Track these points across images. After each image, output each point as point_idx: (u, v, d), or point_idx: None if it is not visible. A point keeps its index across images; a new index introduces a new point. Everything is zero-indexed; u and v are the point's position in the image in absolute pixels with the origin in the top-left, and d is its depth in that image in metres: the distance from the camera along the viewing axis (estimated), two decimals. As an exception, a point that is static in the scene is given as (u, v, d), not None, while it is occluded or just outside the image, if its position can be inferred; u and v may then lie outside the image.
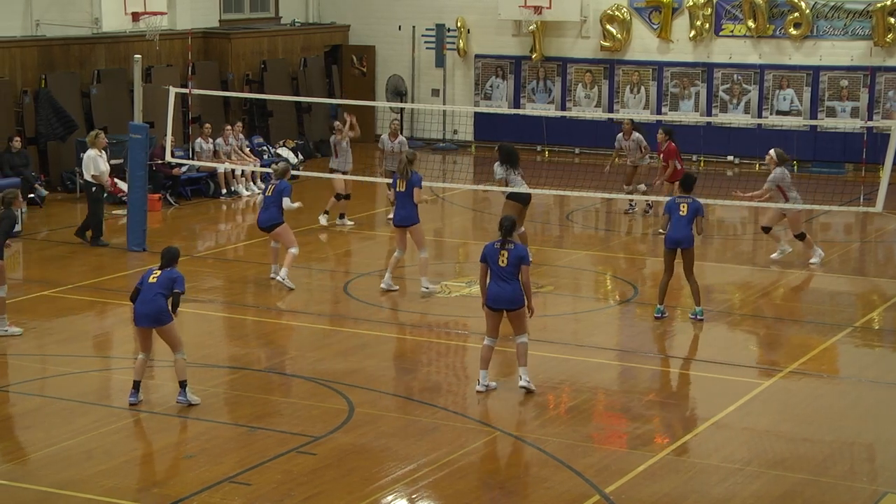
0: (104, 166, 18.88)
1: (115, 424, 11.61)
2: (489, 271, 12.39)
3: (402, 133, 20.88)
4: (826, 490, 10.32)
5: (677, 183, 16.45)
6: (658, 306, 15.09)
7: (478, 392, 12.50)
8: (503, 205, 16.96)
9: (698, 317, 15.07)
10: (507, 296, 12.29)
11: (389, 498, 10.12)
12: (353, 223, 20.47)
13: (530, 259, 12.61)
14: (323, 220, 20.35)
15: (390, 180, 20.04)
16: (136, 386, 12.11)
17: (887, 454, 11.20)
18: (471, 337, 14.75)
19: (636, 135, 21.05)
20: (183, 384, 12.06)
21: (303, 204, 17.17)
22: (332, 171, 20.37)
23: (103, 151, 19.09)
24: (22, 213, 20.01)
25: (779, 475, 10.63)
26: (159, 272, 12.07)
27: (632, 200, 21.03)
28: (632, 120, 21.29)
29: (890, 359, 14.41)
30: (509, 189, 16.78)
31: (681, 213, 14.92)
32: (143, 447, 11.14)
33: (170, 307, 11.98)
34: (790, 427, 11.80)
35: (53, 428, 11.46)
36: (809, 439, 11.51)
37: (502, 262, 12.28)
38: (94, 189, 18.87)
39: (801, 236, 17.86)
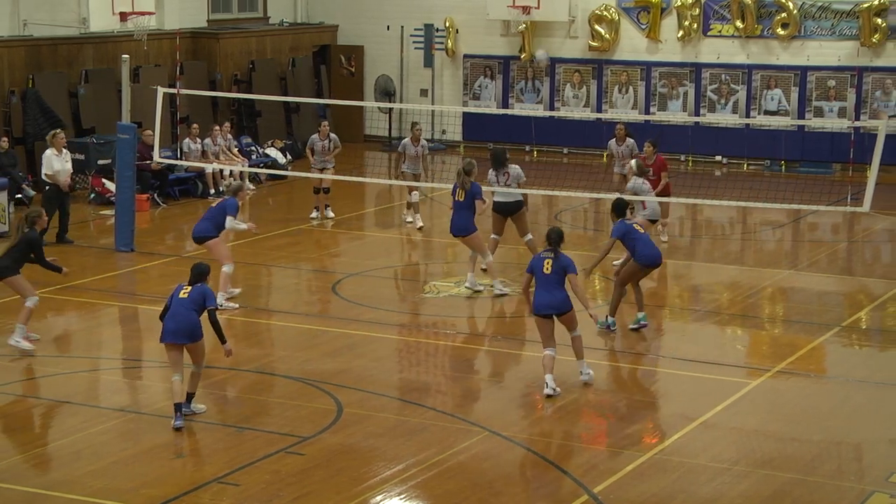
0: (58, 165, 18.80)
1: (103, 425, 11.59)
2: (534, 280, 12.73)
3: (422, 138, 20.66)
4: (814, 489, 10.35)
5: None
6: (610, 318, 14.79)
7: (548, 396, 12.39)
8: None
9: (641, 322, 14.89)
10: (555, 302, 12.59)
11: (378, 498, 10.12)
12: (333, 217, 20.79)
13: (576, 268, 12.81)
14: (314, 214, 20.81)
15: (405, 182, 20.04)
16: (178, 408, 11.62)
17: (875, 453, 11.24)
18: (459, 337, 14.76)
19: (630, 140, 20.58)
20: (190, 396, 11.84)
21: (255, 228, 16.40)
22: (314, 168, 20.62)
23: (62, 151, 19.01)
24: (9, 213, 19.96)
25: (767, 475, 10.66)
26: (189, 288, 11.84)
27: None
28: (625, 125, 20.93)
29: (877, 358, 14.45)
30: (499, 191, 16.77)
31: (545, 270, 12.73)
32: (131, 448, 11.12)
33: (215, 331, 11.67)
34: (778, 427, 11.83)
35: (41, 429, 11.45)
36: (797, 439, 11.54)
37: (546, 269, 12.59)
38: (47, 188, 18.88)
39: None
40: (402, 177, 20.13)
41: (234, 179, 17.56)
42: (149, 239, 18.93)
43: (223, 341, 11.75)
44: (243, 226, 15.86)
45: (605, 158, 21.21)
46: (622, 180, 20.52)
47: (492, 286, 16.15)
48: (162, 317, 11.87)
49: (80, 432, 11.37)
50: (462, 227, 16.05)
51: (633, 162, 17.50)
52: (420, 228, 20.02)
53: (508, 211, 16.78)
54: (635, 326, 14.74)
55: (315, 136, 20.62)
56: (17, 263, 13.82)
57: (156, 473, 10.51)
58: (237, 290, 15.95)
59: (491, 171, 16.91)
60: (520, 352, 14.24)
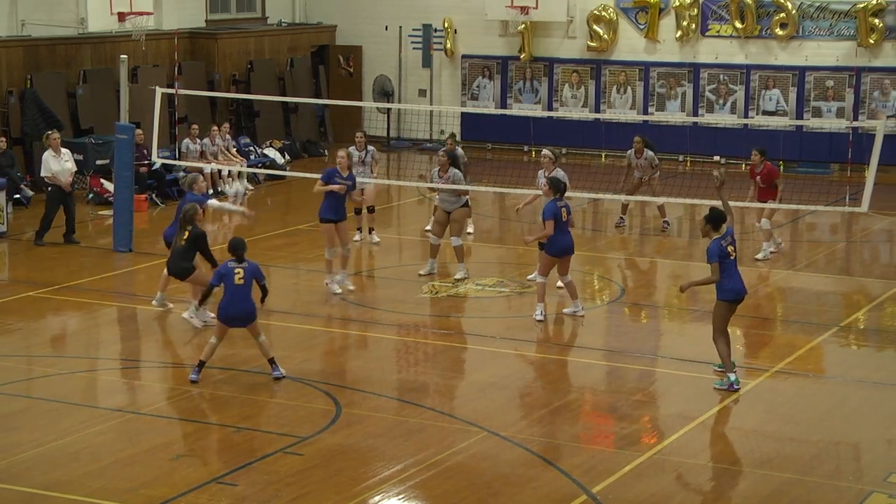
0: (56, 166, 18.81)
1: (101, 425, 11.59)
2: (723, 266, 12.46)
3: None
4: (812, 489, 10.36)
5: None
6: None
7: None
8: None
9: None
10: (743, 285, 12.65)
11: (377, 498, 10.12)
12: (378, 241, 19.06)
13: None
14: (357, 237, 18.90)
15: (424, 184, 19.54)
16: (201, 365, 12.59)
17: (873, 453, 11.24)
18: (458, 337, 14.77)
19: (648, 153, 20.39)
20: (272, 361, 12.70)
21: (251, 213, 16.49)
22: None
23: (60, 151, 19.00)
24: (7, 213, 19.96)
25: (765, 475, 10.66)
26: (241, 270, 12.44)
27: (623, 216, 20.64)
28: (643, 138, 20.64)
29: (875, 358, 14.46)
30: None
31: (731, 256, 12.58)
32: (129, 448, 11.11)
33: (262, 294, 12.57)
34: (776, 427, 11.83)
35: (40, 429, 11.44)
36: (796, 439, 11.55)
37: (732, 254, 12.50)
38: (49, 189, 18.87)
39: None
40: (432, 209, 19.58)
41: (192, 173, 15.95)
42: (147, 239, 18.92)
43: (264, 298, 12.71)
44: (233, 207, 15.46)
45: (626, 172, 20.76)
46: (640, 183, 20.34)
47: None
48: (206, 296, 12.83)
49: (79, 432, 11.37)
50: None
51: (546, 150, 17.32)
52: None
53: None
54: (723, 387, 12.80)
55: (352, 147, 18.54)
56: (191, 259, 14.10)
57: (154, 474, 10.50)
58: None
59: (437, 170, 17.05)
60: (518, 352, 14.23)
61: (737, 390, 12.60)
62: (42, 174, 18.93)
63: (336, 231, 16.05)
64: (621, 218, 20.61)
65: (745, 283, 12.84)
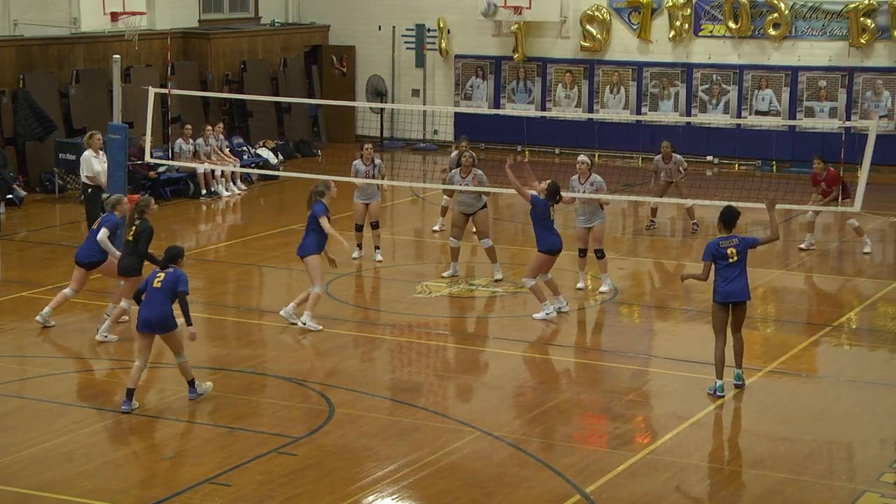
0: (98, 166, 18.66)
1: (94, 426, 11.58)
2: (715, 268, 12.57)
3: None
4: (805, 489, 10.37)
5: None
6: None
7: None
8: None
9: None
10: (741, 288, 12.56)
11: (370, 498, 10.12)
12: (381, 260, 18.04)
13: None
14: (356, 254, 17.94)
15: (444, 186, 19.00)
16: (130, 394, 11.87)
17: (866, 453, 11.26)
18: (451, 337, 14.77)
19: (676, 157, 20.13)
20: (191, 383, 12.12)
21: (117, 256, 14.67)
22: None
23: (100, 152, 18.90)
24: (0, 214, 19.93)
25: (758, 474, 10.68)
26: (163, 274, 11.94)
27: (653, 218, 20.54)
28: (671, 143, 20.47)
29: (868, 358, 14.48)
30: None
31: (730, 259, 12.62)
32: (123, 448, 11.11)
33: (182, 312, 11.88)
34: (769, 426, 11.85)
35: (33, 429, 11.42)
36: (789, 438, 11.57)
37: (732, 257, 12.52)
38: (89, 190, 18.71)
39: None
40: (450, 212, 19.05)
41: (116, 195, 15.20)
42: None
43: (189, 323, 11.92)
44: (115, 251, 14.31)
45: (653, 178, 20.70)
46: (668, 186, 20.24)
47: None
48: (137, 301, 12.00)
49: (72, 433, 11.36)
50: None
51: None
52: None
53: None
54: (739, 383, 12.85)
55: (357, 161, 17.91)
56: (139, 255, 13.78)
57: (147, 474, 10.50)
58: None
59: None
60: (512, 352, 14.24)
61: (721, 397, 12.53)
62: (84, 175, 18.78)
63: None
64: (651, 221, 20.49)
65: (744, 288, 12.67)
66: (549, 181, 15.34)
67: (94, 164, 18.64)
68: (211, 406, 12.21)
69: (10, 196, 21.59)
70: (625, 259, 18.67)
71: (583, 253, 16.40)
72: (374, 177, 17.77)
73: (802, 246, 19.22)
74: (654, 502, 10.11)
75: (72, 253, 18.59)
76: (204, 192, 23.04)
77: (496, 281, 16.70)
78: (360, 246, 17.99)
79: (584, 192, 16.17)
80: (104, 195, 16.02)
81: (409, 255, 18.92)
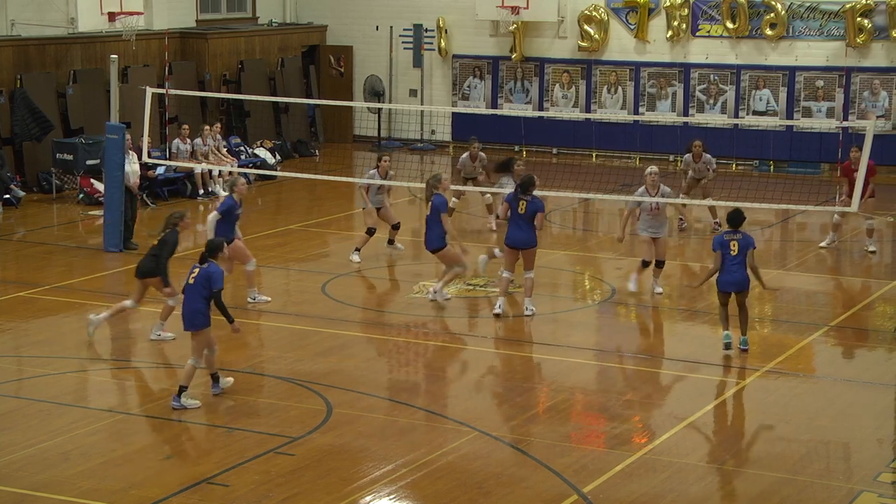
0: (127, 168, 18.60)
1: (92, 426, 11.57)
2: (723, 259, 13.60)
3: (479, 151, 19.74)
4: (802, 489, 10.38)
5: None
6: None
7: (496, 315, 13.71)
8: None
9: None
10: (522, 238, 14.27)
11: (368, 498, 10.12)
12: (402, 248, 18.55)
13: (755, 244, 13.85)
14: (355, 257, 17.97)
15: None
16: (181, 390, 11.98)
17: (863, 453, 11.27)
18: (448, 337, 14.77)
19: (707, 156, 20.01)
20: (182, 388, 12.00)
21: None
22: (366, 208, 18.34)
23: (130, 153, 18.84)
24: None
25: (755, 474, 10.68)
26: (197, 270, 12.08)
27: (682, 217, 20.36)
28: (702, 142, 20.35)
29: (865, 358, 14.49)
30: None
31: (732, 251, 13.71)
32: (120, 448, 11.11)
33: (219, 310, 12.06)
34: (767, 426, 11.85)
35: (30, 429, 11.42)
36: (786, 438, 11.57)
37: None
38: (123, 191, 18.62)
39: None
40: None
41: (229, 177, 15.87)
42: (137, 240, 18.88)
43: (230, 321, 12.19)
44: (212, 235, 14.70)
45: (677, 167, 20.61)
46: (694, 184, 20.10)
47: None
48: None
49: (69, 433, 11.35)
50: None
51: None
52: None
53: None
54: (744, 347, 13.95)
55: (374, 171, 17.98)
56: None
57: (145, 474, 10.50)
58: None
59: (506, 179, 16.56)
60: (509, 352, 14.25)
61: (728, 346, 13.73)
62: None
63: None
64: (681, 219, 20.40)
65: (744, 279, 13.72)
66: (526, 175, 15.61)
67: (125, 164, 18.57)
68: (209, 406, 12.21)
69: (8, 196, 21.58)
70: (623, 259, 18.66)
71: (646, 263, 16.12)
72: (386, 189, 18.25)
73: (823, 244, 19.10)
74: (652, 502, 10.12)
75: (69, 252, 18.65)
76: (201, 192, 23.03)
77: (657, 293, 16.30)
78: (357, 249, 18.03)
79: (653, 204, 15.94)
80: (224, 181, 16.13)
81: (406, 255, 18.90)
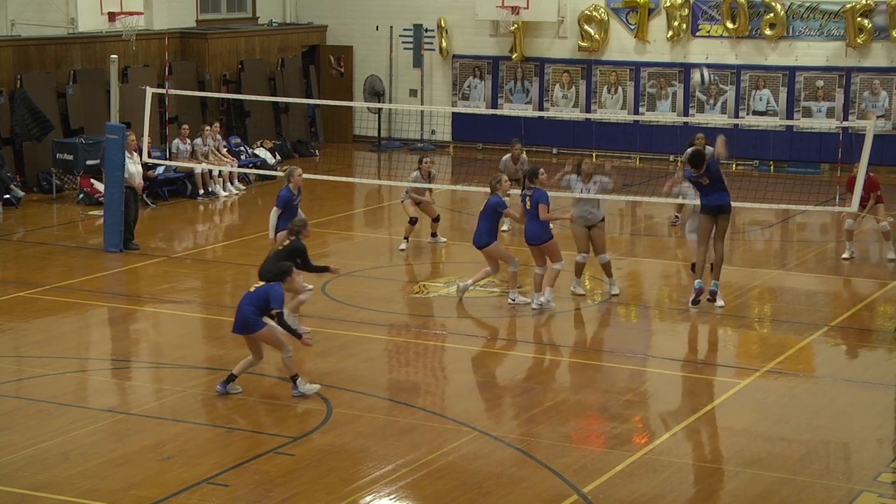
0: (132, 168, 18.65)
1: (91, 426, 11.57)
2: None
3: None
4: (802, 489, 10.38)
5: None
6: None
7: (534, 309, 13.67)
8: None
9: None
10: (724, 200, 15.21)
11: (368, 498, 10.12)
12: (445, 240, 19.17)
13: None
14: (403, 245, 18.80)
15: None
16: (230, 377, 12.33)
17: (863, 453, 11.27)
18: (449, 337, 14.77)
19: (710, 149, 20.30)
20: (294, 378, 12.26)
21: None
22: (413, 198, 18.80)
23: (134, 153, 18.86)
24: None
25: (755, 474, 10.68)
26: (261, 283, 12.32)
27: (678, 214, 20.42)
28: (705, 135, 20.24)
29: (865, 358, 14.49)
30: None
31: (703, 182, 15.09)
32: (120, 448, 11.10)
33: (283, 328, 12.22)
34: (766, 426, 11.85)
35: (30, 430, 11.42)
36: (786, 438, 11.57)
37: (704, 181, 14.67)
38: (124, 191, 18.61)
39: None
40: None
41: (286, 168, 16.08)
42: (138, 239, 18.88)
43: (297, 336, 12.26)
44: (273, 232, 15.44)
45: (678, 164, 20.77)
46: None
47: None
48: None
49: (69, 433, 11.35)
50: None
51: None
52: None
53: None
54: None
55: (416, 173, 18.62)
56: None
57: (144, 474, 10.49)
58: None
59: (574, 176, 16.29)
60: (509, 352, 14.24)
61: (697, 295, 15.06)
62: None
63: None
64: (676, 216, 20.42)
65: (727, 200, 15.20)
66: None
67: (128, 165, 18.58)
68: (208, 406, 12.21)
69: (8, 196, 21.58)
70: (623, 259, 18.66)
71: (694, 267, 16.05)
72: (427, 180, 18.70)
73: (845, 255, 18.58)
74: (652, 502, 10.11)
75: (69, 252, 18.65)
76: (201, 192, 23.03)
77: (613, 296, 16.24)
78: (406, 238, 18.84)
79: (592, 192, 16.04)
80: (281, 168, 16.28)
81: (406, 254, 18.90)
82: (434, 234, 19.24)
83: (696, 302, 15.43)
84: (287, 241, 13.97)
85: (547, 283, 15.41)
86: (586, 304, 16.28)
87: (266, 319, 12.19)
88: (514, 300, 15.78)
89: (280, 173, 24.06)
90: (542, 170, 15.75)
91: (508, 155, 20.07)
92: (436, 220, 19.10)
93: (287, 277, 12.45)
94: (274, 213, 15.64)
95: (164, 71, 24.97)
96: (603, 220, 16.21)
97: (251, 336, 12.28)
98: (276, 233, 15.39)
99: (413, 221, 18.80)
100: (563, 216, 16.08)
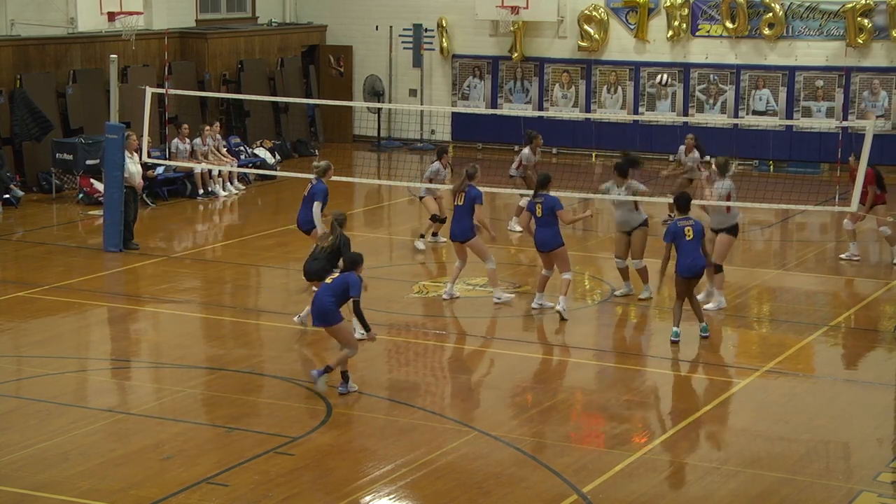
0: (133, 168, 18.65)
1: (91, 426, 11.57)
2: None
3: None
4: (802, 489, 10.38)
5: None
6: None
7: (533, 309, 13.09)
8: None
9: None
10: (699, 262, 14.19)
11: (367, 498, 10.12)
12: (445, 240, 18.56)
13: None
14: (420, 244, 18.99)
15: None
16: (344, 377, 12.40)
17: (862, 453, 11.26)
18: (448, 337, 14.77)
19: (695, 154, 20.12)
20: (344, 375, 12.35)
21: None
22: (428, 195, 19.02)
23: (134, 153, 18.85)
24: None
25: (755, 474, 10.68)
26: (337, 274, 12.48)
27: (671, 213, 20.41)
28: (695, 137, 20.43)
29: (865, 358, 14.49)
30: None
31: (687, 237, 14.19)
32: (119, 448, 11.10)
33: (357, 319, 12.43)
34: (766, 426, 11.85)
35: (29, 430, 11.42)
36: (785, 438, 11.57)
37: (689, 235, 14.07)
38: (124, 191, 18.60)
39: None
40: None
41: (323, 162, 16.14)
42: (137, 239, 18.88)
43: (367, 329, 12.56)
44: (321, 225, 15.47)
45: (674, 165, 20.93)
46: (687, 184, 20.01)
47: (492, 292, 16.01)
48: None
49: (68, 433, 11.35)
50: (461, 231, 15.76)
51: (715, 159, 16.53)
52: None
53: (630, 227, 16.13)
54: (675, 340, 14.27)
55: (437, 164, 18.82)
56: (332, 265, 13.72)
57: (144, 474, 10.49)
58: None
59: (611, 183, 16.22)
60: (509, 352, 14.24)
61: (676, 342, 14.15)
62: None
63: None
64: (670, 216, 20.41)
65: (702, 262, 14.29)
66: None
67: (129, 165, 18.57)
68: (208, 406, 12.21)
69: (8, 196, 21.57)
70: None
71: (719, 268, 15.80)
72: (444, 178, 18.92)
73: (843, 256, 18.55)
74: (652, 502, 10.11)
75: (69, 252, 18.64)
76: (201, 191, 23.03)
77: (642, 299, 16.16)
78: (434, 234, 19.05)
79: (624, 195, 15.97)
80: (315, 163, 16.33)
81: (406, 255, 18.92)
82: (435, 234, 19.24)
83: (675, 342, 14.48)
84: (331, 237, 13.84)
85: (561, 291, 15.25)
86: (586, 303, 16.28)
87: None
88: (499, 298, 15.81)
89: (280, 173, 24.11)
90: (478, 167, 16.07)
91: (528, 148, 20.12)
92: (441, 220, 19.05)
93: (360, 266, 12.48)
94: (317, 206, 15.65)
95: (164, 71, 24.97)
96: (643, 224, 16.13)
97: (330, 329, 12.37)
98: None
99: (435, 218, 18.87)
100: (584, 215, 16.47)
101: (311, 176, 16.03)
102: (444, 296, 15.95)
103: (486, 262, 15.86)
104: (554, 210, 15.16)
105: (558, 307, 15.16)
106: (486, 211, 20.54)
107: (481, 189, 16.06)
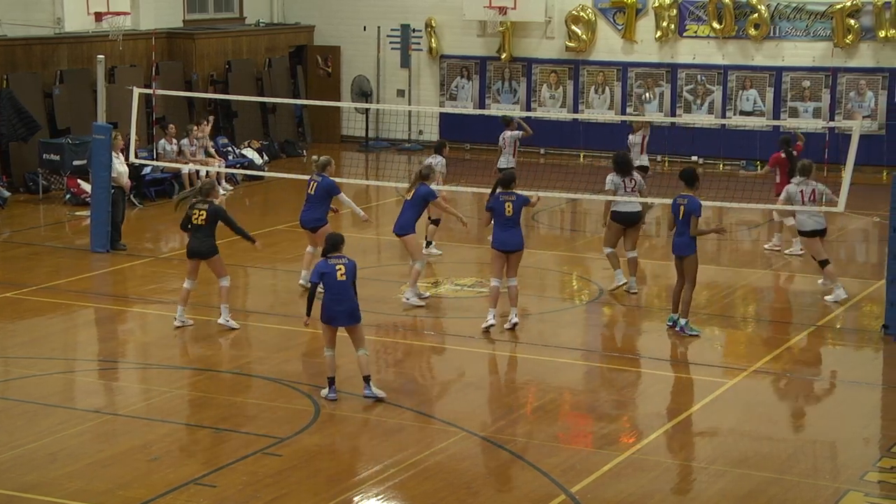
0: (121, 168, 18.63)
1: (78, 427, 11.55)
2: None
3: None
4: (789, 488, 10.41)
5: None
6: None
7: (485, 329, 13.94)
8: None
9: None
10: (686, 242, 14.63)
11: (356, 499, 10.12)
12: (440, 252, 18.59)
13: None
14: (434, 250, 18.57)
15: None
16: (331, 382, 12.22)
17: (849, 452, 11.30)
18: (437, 338, 14.77)
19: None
20: (367, 378, 12.18)
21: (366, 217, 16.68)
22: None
23: (121, 153, 18.83)
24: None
25: (743, 474, 10.70)
26: (343, 266, 12.07)
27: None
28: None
29: (851, 357, 14.53)
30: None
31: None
32: (107, 449, 11.08)
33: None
34: (754, 426, 11.88)
35: (17, 430, 11.39)
36: (773, 438, 11.60)
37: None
38: (112, 191, 18.56)
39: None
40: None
41: (209, 179, 16.75)
42: (125, 239, 18.84)
43: (307, 314, 12.32)
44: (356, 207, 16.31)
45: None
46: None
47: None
48: (312, 296, 12.13)
49: (56, 434, 11.33)
50: (398, 226, 15.82)
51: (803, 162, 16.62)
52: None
53: (628, 221, 16.32)
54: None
55: (441, 158, 18.58)
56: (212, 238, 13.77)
57: (132, 475, 10.47)
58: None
59: (614, 175, 16.29)
60: (497, 352, 14.25)
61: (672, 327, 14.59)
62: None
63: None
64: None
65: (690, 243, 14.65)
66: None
67: (116, 165, 18.54)
68: (196, 407, 12.19)
69: (-6, 197, 21.52)
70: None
71: None
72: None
73: (766, 246, 18.88)
74: (640, 502, 10.13)
75: (56, 253, 18.59)
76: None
77: (631, 293, 16.30)
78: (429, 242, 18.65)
79: (628, 190, 16.27)
80: (315, 157, 16.52)
81: (394, 255, 18.91)
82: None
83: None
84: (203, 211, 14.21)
85: (512, 302, 15.01)
86: (574, 304, 16.29)
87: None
88: (408, 299, 15.66)
89: (268, 174, 24.07)
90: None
91: (517, 131, 20.66)
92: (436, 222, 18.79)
93: (342, 246, 12.34)
94: (343, 196, 16.27)
95: (151, 71, 24.92)
96: (642, 218, 16.58)
97: (353, 327, 12.16)
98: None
99: (436, 222, 18.50)
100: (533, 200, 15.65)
101: (307, 176, 16.22)
102: (405, 298, 15.73)
103: (415, 262, 15.74)
104: (524, 206, 14.85)
105: (506, 325, 14.70)
106: (474, 210, 20.55)
107: (472, 190, 16.06)
